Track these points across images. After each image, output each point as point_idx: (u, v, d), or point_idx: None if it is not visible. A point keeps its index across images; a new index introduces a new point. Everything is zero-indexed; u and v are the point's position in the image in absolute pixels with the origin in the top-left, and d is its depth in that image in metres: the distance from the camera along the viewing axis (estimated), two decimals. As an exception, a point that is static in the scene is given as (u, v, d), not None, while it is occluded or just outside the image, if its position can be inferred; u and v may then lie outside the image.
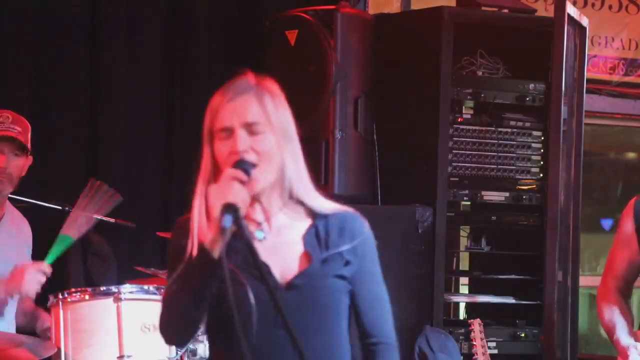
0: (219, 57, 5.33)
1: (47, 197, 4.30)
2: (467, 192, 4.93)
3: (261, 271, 2.36)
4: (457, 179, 4.91)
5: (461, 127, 4.94)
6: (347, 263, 2.50)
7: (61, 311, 3.71)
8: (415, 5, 5.61)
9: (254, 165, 2.42)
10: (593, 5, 6.17)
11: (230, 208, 2.31)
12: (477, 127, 4.98)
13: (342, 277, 2.49)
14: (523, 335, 4.92)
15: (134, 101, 5.15)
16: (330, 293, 2.47)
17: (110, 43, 5.10)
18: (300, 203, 2.52)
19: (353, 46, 4.84)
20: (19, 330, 3.98)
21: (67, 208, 4.10)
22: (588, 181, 5.26)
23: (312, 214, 2.52)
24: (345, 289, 2.50)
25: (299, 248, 2.50)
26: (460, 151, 4.93)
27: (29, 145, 4.01)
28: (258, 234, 2.49)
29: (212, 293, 2.38)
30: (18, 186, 4.06)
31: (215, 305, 2.40)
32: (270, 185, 2.47)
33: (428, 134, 4.87)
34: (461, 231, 5.15)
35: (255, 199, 2.47)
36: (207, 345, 3.98)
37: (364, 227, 2.55)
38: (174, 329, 2.46)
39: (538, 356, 4.89)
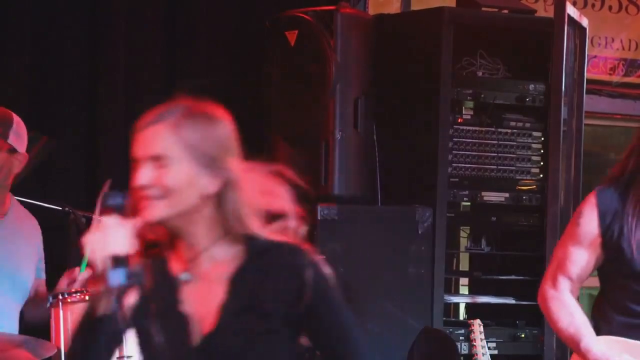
0: (219, 57, 5.32)
1: (48, 198, 4.30)
2: (467, 192, 4.93)
3: (179, 323, 2.17)
4: (457, 179, 4.91)
5: (461, 127, 4.94)
6: (279, 309, 2.20)
7: (61, 312, 3.70)
8: (415, 6, 5.60)
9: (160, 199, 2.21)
10: (593, 5, 6.17)
11: (118, 261, 2.09)
12: (477, 128, 4.97)
13: (274, 331, 2.20)
14: (523, 335, 4.91)
15: (134, 105, 5.15)
16: (260, 349, 2.18)
17: (109, 43, 5.10)
18: (241, 239, 2.24)
19: (353, 47, 4.84)
20: (30, 324, 3.96)
21: (67, 209, 4.09)
22: (588, 182, 5.24)
23: (249, 250, 2.24)
24: (283, 340, 2.21)
25: (221, 295, 2.21)
26: (460, 152, 4.92)
27: (8, 141, 3.86)
28: (184, 276, 2.24)
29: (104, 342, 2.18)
30: (18, 186, 4.05)
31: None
32: (183, 217, 2.21)
33: (428, 135, 4.87)
34: (461, 232, 5.15)
35: (178, 233, 2.23)
36: None
37: (307, 263, 2.23)
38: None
39: (538, 357, 4.89)
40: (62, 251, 4.07)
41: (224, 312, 2.19)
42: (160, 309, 2.19)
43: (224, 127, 2.28)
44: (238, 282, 2.21)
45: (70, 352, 2.26)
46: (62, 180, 4.89)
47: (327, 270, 2.27)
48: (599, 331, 3.20)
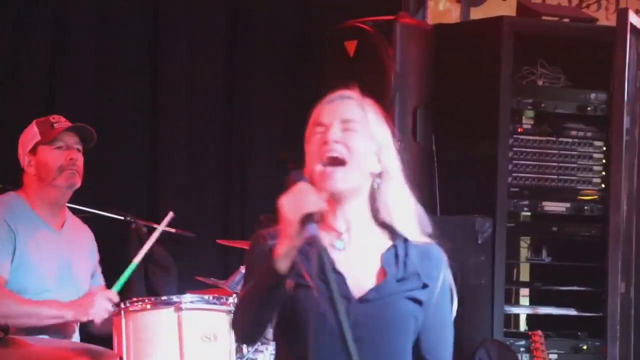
0: (278, 68, 5.35)
1: (109, 208, 4.36)
2: (527, 202, 4.90)
3: (334, 281, 2.34)
4: (517, 189, 4.88)
5: (521, 137, 4.91)
6: (424, 286, 2.52)
7: (123, 320, 3.74)
8: (474, 16, 5.58)
9: (341, 162, 2.45)
10: (656, 13, 6.09)
11: (311, 218, 2.31)
12: (537, 137, 4.94)
13: (416, 301, 2.50)
14: (585, 347, 4.86)
15: (194, 114, 5.19)
16: (401, 313, 2.48)
17: (170, 58, 5.15)
18: (386, 226, 2.53)
19: (412, 56, 4.84)
20: (94, 333, 4.02)
21: (128, 218, 4.14)
22: (651, 191, 5.17)
23: (395, 237, 2.53)
24: (416, 314, 2.51)
25: (376, 264, 2.51)
26: (520, 161, 4.89)
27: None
28: (338, 244, 2.50)
29: (279, 302, 2.39)
30: (81, 196, 4.11)
31: (285, 309, 2.42)
32: (352, 191, 2.49)
33: (488, 144, 4.84)
34: (521, 242, 5.11)
35: (338, 206, 2.49)
36: (267, 354, 4.00)
37: (445, 261, 2.61)
38: (242, 330, 2.49)
39: (600, 369, 4.83)
40: (123, 260, 4.12)
41: (386, 276, 2.47)
42: (314, 271, 2.35)
43: (386, 124, 2.57)
44: (392, 259, 2.50)
45: (251, 304, 2.40)
46: (123, 189, 4.94)
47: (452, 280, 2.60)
48: None
